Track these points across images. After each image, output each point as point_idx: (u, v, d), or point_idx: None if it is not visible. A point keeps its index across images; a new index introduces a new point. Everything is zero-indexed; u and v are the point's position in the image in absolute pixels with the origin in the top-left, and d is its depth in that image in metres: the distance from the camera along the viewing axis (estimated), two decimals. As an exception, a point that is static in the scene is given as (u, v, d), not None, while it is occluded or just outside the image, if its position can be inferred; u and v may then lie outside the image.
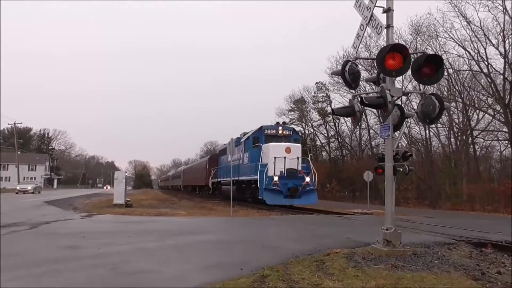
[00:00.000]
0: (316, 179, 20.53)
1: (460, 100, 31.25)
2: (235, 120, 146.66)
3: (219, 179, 30.01)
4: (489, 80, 28.72)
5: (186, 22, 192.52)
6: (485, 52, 28.17)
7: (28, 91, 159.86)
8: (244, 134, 24.75)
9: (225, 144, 29.57)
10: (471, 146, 32.20)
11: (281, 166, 18.85)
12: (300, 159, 19.90)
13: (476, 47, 28.51)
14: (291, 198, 18.98)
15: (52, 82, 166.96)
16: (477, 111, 31.40)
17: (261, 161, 19.76)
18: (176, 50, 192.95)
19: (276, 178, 18.60)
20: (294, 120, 54.21)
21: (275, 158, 18.85)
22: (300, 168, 19.65)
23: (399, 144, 8.46)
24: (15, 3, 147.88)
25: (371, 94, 6.82)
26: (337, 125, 49.97)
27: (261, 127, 22.28)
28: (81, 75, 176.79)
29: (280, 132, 21.77)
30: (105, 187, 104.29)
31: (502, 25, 26.80)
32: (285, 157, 18.90)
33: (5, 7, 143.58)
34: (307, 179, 19.29)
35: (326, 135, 53.47)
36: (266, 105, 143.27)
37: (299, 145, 21.46)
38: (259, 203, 20.54)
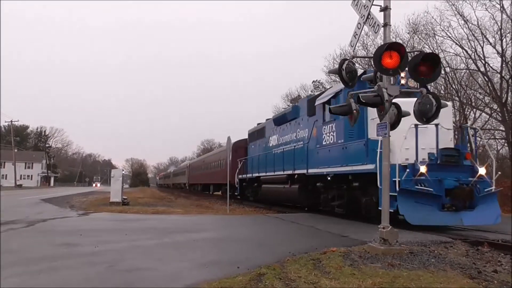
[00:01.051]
0: (495, 172, 10.26)
1: (457, 98, 31.30)
2: (232, 119, 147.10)
3: (254, 174, 20.45)
4: (486, 79, 28.77)
5: (179, 21, 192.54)
6: (482, 50, 28.21)
7: (27, 88, 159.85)
8: (311, 98, 14.90)
9: (259, 124, 21.89)
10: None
11: (427, 144, 9.82)
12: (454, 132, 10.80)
13: (473, 46, 28.55)
14: (456, 211, 9.42)
15: (51, 81, 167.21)
16: (474, 109, 31.50)
17: (370, 136, 10.28)
18: (174, 51, 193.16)
19: (422, 169, 9.34)
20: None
21: (416, 126, 9.26)
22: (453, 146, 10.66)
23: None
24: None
25: (368, 93, 6.83)
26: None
27: (363, 73, 10.74)
28: (80, 74, 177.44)
29: (403, 82, 9.96)
30: (94, 185, 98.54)
31: (499, 24, 26.84)
32: (436, 125, 9.58)
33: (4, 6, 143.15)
34: (481, 169, 9.96)
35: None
36: (264, 103, 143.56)
37: (450, 103, 12.41)
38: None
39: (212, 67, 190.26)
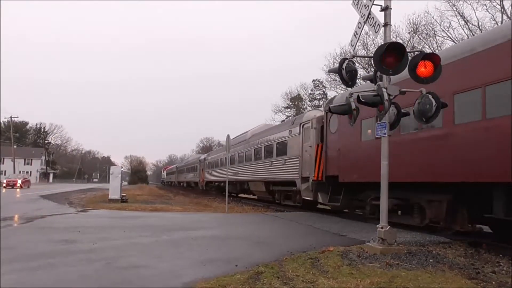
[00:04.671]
0: None
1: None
2: (230, 118, 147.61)
3: None
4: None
5: (188, 16, 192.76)
6: (483, 51, 28.29)
7: (26, 84, 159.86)
8: None
9: None
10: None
11: None
12: None
13: (474, 47, 28.62)
14: None
15: (51, 80, 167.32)
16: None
17: None
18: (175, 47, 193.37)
19: None
20: (290, 117, 54.26)
21: None
22: None
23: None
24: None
25: (367, 92, 6.81)
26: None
27: None
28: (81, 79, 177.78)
29: None
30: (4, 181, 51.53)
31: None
32: None
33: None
34: None
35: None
36: (260, 103, 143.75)
37: None
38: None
39: (213, 71, 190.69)
